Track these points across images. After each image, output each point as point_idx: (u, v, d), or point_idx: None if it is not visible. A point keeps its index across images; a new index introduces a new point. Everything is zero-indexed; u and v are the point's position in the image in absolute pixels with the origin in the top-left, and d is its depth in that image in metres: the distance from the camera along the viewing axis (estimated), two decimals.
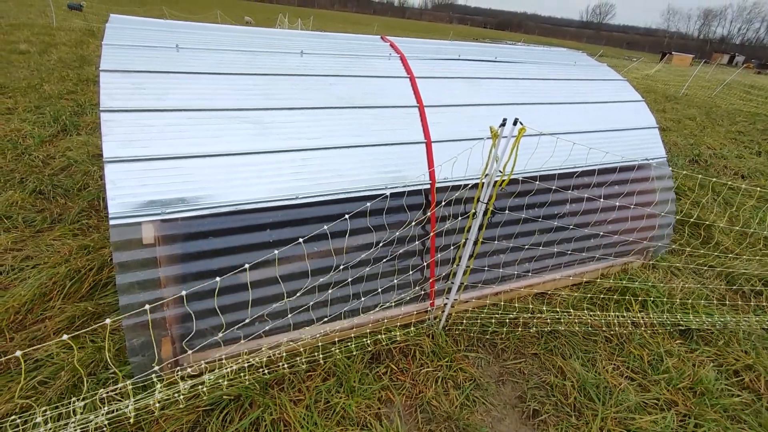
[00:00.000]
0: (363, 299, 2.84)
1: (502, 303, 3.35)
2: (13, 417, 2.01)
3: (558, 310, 3.35)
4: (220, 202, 2.33)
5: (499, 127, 2.36)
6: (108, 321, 1.46)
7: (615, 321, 3.32)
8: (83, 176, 4.66)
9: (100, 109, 2.20)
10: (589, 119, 3.76)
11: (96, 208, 4.14)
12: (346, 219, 2.28)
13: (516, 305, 3.33)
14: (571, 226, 3.53)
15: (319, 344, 2.78)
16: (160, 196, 2.21)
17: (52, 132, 5.75)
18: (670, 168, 3.90)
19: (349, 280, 2.67)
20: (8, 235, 3.53)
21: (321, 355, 2.70)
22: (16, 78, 8.05)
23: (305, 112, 2.76)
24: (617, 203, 3.45)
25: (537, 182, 3.11)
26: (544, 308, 3.34)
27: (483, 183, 2.56)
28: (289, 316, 2.62)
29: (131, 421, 2.17)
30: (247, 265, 1.91)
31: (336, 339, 2.85)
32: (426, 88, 3.28)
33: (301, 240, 2.05)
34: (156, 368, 2.06)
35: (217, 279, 1.86)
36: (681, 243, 4.62)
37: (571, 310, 3.36)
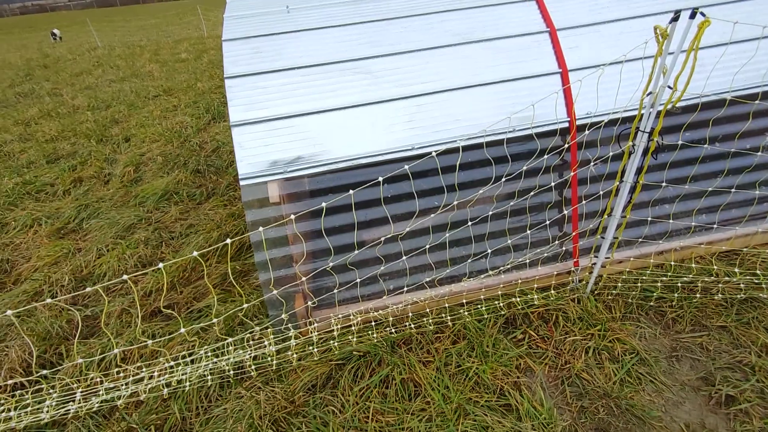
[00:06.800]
0: (493, 257, 2.55)
1: (672, 264, 2.68)
2: (183, 353, 2.34)
3: (759, 272, 2.55)
4: (335, 158, 2.27)
5: (669, 23, 1.77)
6: (228, 241, 1.51)
7: None
8: (229, 155, 5.27)
9: (224, 76, 2.30)
10: None
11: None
12: (461, 163, 2.00)
13: (692, 266, 2.64)
14: None
15: (447, 305, 2.61)
16: (282, 155, 2.24)
17: (205, 121, 6.64)
18: None
19: (472, 236, 2.41)
20: (177, 207, 4.17)
21: (449, 317, 2.53)
22: (178, 81, 9.56)
23: (415, 55, 2.51)
24: None
25: (725, 107, 2.34)
26: (736, 270, 2.57)
27: (643, 107, 1.99)
28: (411, 275, 2.50)
29: (273, 367, 2.33)
30: (380, 178, 1.83)
31: (464, 300, 2.64)
32: (557, 8, 2.70)
33: (412, 180, 1.87)
34: (291, 321, 2.14)
35: (351, 192, 1.81)
36: None
37: None
